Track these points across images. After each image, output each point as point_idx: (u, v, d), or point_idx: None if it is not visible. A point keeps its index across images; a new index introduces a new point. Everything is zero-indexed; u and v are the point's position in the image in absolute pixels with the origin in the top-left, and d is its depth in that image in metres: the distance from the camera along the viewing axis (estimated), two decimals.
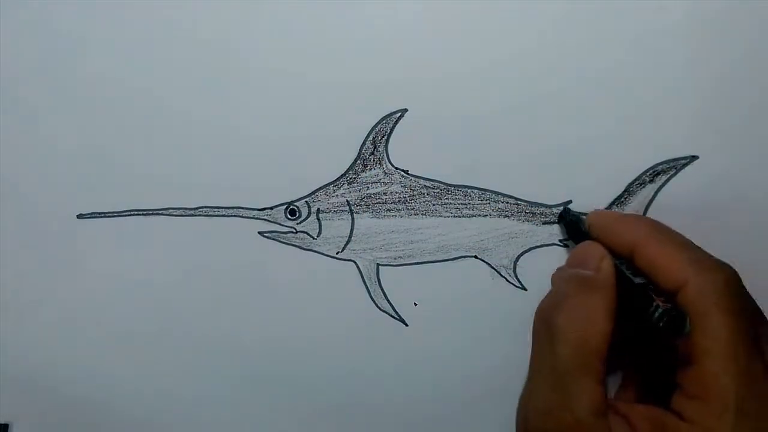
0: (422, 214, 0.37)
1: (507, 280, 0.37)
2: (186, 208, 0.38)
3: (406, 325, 0.38)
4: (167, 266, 0.38)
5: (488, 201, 0.36)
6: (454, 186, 0.37)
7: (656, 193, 0.36)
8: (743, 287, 0.29)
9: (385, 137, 0.36)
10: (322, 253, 0.38)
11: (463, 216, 0.37)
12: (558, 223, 0.36)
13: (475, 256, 0.37)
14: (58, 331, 0.39)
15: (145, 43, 0.36)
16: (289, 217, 0.37)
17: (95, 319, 0.39)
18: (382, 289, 0.38)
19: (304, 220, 0.37)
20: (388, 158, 0.37)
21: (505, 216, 0.37)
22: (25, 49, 0.37)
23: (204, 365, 0.39)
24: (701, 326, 0.28)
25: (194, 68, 0.36)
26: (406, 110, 0.36)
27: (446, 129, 0.36)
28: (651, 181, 0.35)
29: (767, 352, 0.28)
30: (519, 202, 0.36)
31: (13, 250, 0.39)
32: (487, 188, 0.36)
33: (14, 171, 0.38)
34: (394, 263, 0.37)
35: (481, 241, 0.37)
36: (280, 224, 0.37)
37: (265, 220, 0.37)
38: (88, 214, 0.38)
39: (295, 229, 0.37)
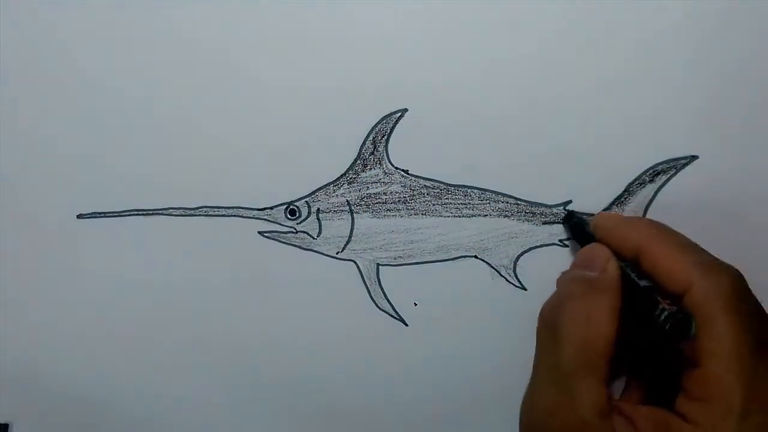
0: (422, 214, 0.37)
1: (507, 280, 0.37)
2: (186, 208, 0.37)
3: (406, 325, 0.38)
4: (167, 266, 0.38)
5: (488, 201, 0.36)
6: (454, 186, 0.37)
7: (656, 193, 0.36)
8: (749, 290, 0.29)
9: (385, 137, 0.36)
10: (322, 253, 0.38)
11: (463, 216, 0.37)
12: (563, 224, 0.36)
13: (475, 256, 0.37)
14: (59, 331, 0.39)
15: (145, 44, 0.36)
16: (289, 217, 0.37)
17: (95, 319, 0.39)
18: (382, 289, 0.38)
19: (304, 220, 0.37)
20: (388, 158, 0.37)
21: (505, 216, 0.37)
22: (25, 49, 0.37)
23: (204, 365, 0.39)
24: (706, 329, 0.28)
25: (195, 68, 0.36)
26: (406, 110, 0.36)
27: (446, 129, 0.36)
28: (651, 181, 0.35)
29: None
30: (519, 202, 0.36)
31: (13, 250, 0.39)
32: (487, 188, 0.36)
33: (14, 171, 0.38)
34: (394, 263, 0.38)
35: (481, 241, 0.37)
36: (280, 224, 0.37)
37: (265, 220, 0.37)
38: (88, 214, 0.38)
39: (295, 229, 0.37)
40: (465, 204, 0.37)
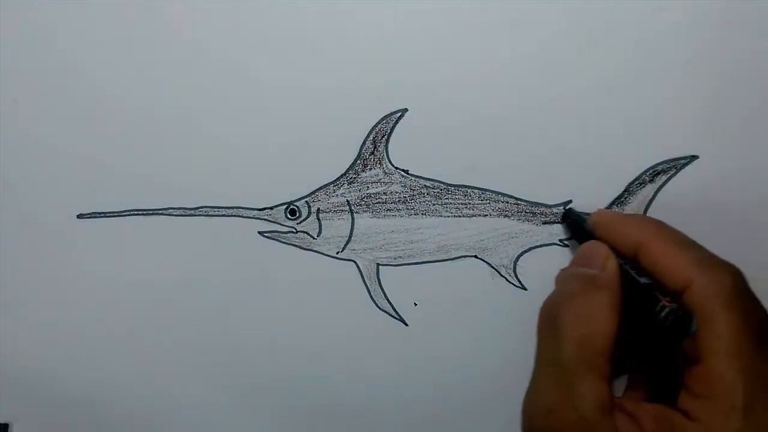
0: (422, 214, 0.37)
1: (507, 280, 0.37)
2: (186, 208, 0.37)
3: (406, 325, 0.38)
4: (167, 266, 0.38)
5: (488, 201, 0.36)
6: (454, 186, 0.37)
7: (656, 193, 0.36)
8: (748, 286, 0.29)
9: (385, 137, 0.36)
10: (322, 253, 0.38)
11: (463, 216, 0.37)
12: (561, 223, 0.36)
13: (475, 256, 0.37)
14: (59, 331, 0.39)
15: (145, 43, 0.36)
16: (289, 217, 0.37)
17: (95, 319, 0.39)
18: (382, 289, 0.38)
19: (304, 219, 0.37)
20: (388, 158, 0.37)
21: (505, 216, 0.37)
22: (25, 49, 0.37)
23: (204, 365, 0.39)
24: (707, 325, 0.28)
25: (195, 68, 0.36)
26: (406, 110, 0.36)
27: (446, 129, 0.36)
28: (651, 181, 0.35)
29: None
30: (519, 202, 0.36)
31: (13, 250, 0.39)
32: (487, 188, 0.36)
33: (14, 171, 0.38)
34: (394, 263, 0.38)
35: (481, 241, 0.37)
36: (280, 224, 0.37)
37: (265, 220, 0.37)
38: (88, 214, 0.38)
39: (295, 229, 0.37)
40: (465, 204, 0.37)
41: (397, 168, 0.37)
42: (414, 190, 0.37)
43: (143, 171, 0.37)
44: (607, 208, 0.36)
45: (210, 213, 0.37)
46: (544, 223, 0.36)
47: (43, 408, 0.40)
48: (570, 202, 0.36)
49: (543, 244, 0.37)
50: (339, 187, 0.37)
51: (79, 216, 0.38)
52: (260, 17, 0.36)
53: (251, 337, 0.39)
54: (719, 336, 0.27)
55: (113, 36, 0.36)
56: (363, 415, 0.39)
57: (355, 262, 0.38)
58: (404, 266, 0.38)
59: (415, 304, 0.38)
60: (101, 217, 0.38)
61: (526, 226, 0.37)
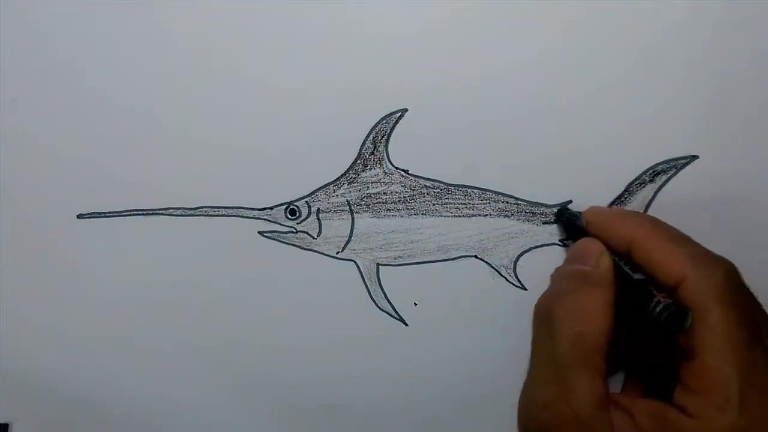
0: (422, 214, 0.37)
1: (507, 280, 0.37)
2: (186, 208, 0.37)
3: (406, 325, 0.38)
4: (167, 266, 0.38)
5: (488, 201, 0.36)
6: (454, 186, 0.37)
7: (656, 193, 0.36)
8: (742, 281, 0.29)
9: (385, 137, 0.36)
10: (322, 253, 0.38)
11: (463, 216, 0.37)
12: (555, 221, 0.36)
13: (475, 256, 0.37)
14: (59, 331, 0.39)
15: (145, 44, 0.36)
16: (289, 217, 0.37)
17: (95, 319, 0.39)
18: (382, 289, 0.38)
19: (304, 219, 0.37)
20: (388, 158, 0.37)
21: (505, 216, 0.37)
22: (25, 50, 0.37)
23: (204, 365, 0.39)
24: (701, 321, 0.28)
25: (195, 69, 0.36)
26: (406, 110, 0.36)
27: (446, 129, 0.36)
28: (651, 181, 0.35)
29: None
30: (519, 202, 0.36)
31: (13, 250, 0.39)
32: (487, 188, 0.36)
33: (14, 171, 0.38)
34: (394, 263, 0.38)
35: (481, 241, 0.37)
36: (280, 224, 0.37)
37: (265, 220, 0.37)
38: (88, 214, 0.38)
39: (295, 229, 0.37)
40: (465, 204, 0.37)
41: (397, 168, 0.37)
42: (414, 190, 0.37)
43: (143, 171, 0.37)
44: (608, 208, 0.36)
45: (210, 213, 0.37)
46: (544, 223, 0.36)
47: (43, 408, 0.40)
48: (570, 202, 0.36)
49: (543, 244, 0.37)
50: (339, 187, 0.37)
51: (79, 216, 0.38)
52: (260, 18, 0.36)
53: (251, 337, 0.39)
54: (713, 331, 0.27)
55: (113, 36, 0.36)
56: (363, 415, 0.39)
57: (355, 262, 0.38)
58: (404, 266, 0.38)
59: (415, 304, 0.38)
60: (101, 217, 0.38)
61: (526, 226, 0.37)
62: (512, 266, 0.37)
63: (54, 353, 0.39)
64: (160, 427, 0.40)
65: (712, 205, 0.35)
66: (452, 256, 0.37)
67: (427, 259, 0.37)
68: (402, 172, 0.37)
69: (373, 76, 0.36)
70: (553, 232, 0.36)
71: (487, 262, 0.37)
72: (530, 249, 0.37)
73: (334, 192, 0.37)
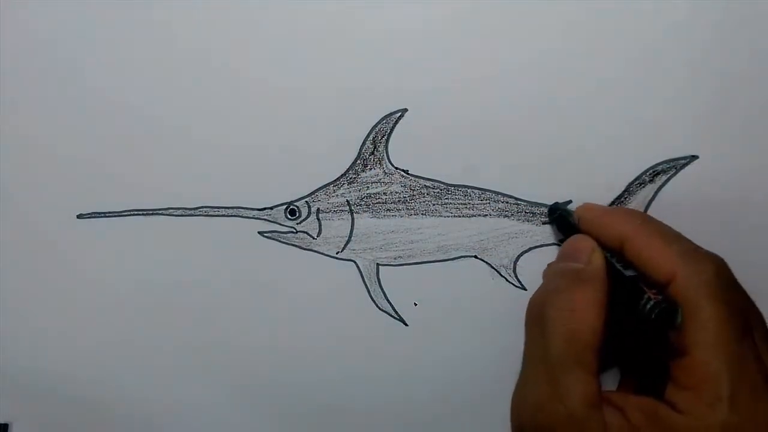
0: (422, 214, 0.37)
1: (507, 280, 0.37)
2: (186, 208, 0.37)
3: (406, 325, 0.38)
4: (167, 266, 0.38)
5: (488, 201, 0.36)
6: (454, 186, 0.37)
7: (656, 193, 0.36)
8: (732, 277, 0.29)
9: (385, 137, 0.36)
10: (322, 253, 0.38)
11: (463, 216, 0.37)
12: (548, 218, 0.36)
13: (475, 256, 0.37)
14: (58, 332, 0.39)
15: (145, 44, 0.36)
16: (289, 217, 0.37)
17: (95, 320, 0.39)
18: (382, 289, 0.38)
19: (304, 220, 0.37)
20: (388, 158, 0.37)
21: (505, 216, 0.37)
22: (25, 51, 0.37)
23: (203, 364, 0.39)
24: (692, 317, 0.28)
25: (195, 69, 0.36)
26: (406, 110, 0.36)
27: (446, 129, 0.36)
28: (651, 181, 0.35)
29: (758, 339, 0.29)
30: (519, 202, 0.36)
31: (13, 250, 0.39)
32: (487, 188, 0.36)
33: (14, 171, 0.38)
34: (394, 263, 0.37)
35: (481, 241, 0.37)
36: (280, 224, 0.37)
37: (265, 220, 0.37)
38: (88, 214, 0.38)
39: (295, 229, 0.37)
40: (465, 204, 0.37)
41: (397, 168, 0.37)
42: (414, 190, 0.37)
43: (143, 171, 0.37)
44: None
45: (210, 213, 0.37)
46: (544, 223, 0.36)
47: (43, 408, 0.40)
48: (570, 202, 0.36)
49: (543, 244, 0.37)
50: (339, 187, 0.37)
51: (79, 216, 0.38)
52: (260, 18, 0.36)
53: (251, 336, 0.39)
54: (704, 327, 0.28)
55: (114, 36, 0.36)
56: (363, 415, 0.39)
57: (355, 262, 0.38)
58: (404, 266, 0.38)
59: (415, 304, 0.38)
60: (101, 217, 0.38)
61: (526, 226, 0.37)
62: (512, 266, 0.37)
63: (54, 353, 0.39)
64: (160, 427, 0.40)
65: (712, 205, 0.35)
66: (452, 256, 0.37)
67: (427, 259, 0.37)
68: (402, 172, 0.37)
69: (373, 76, 0.36)
70: (553, 232, 0.36)
71: (487, 262, 0.37)
72: (530, 249, 0.37)
73: (334, 192, 0.37)
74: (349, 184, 0.37)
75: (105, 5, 0.36)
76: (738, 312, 0.28)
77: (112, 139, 0.37)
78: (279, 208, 0.37)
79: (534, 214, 0.36)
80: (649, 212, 0.36)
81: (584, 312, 0.29)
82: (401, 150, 0.36)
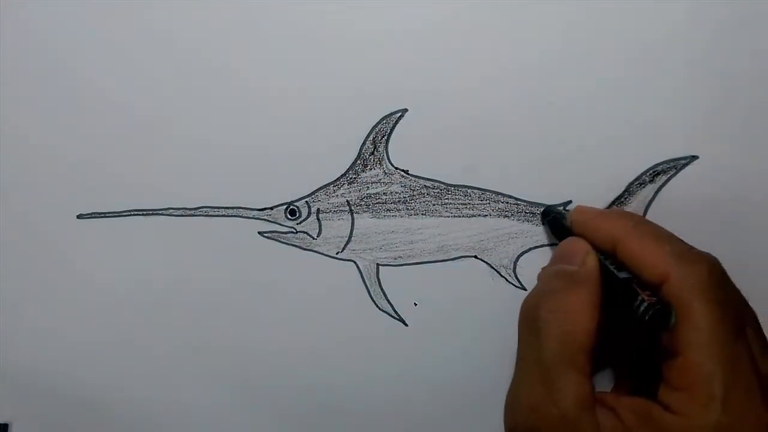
0: (422, 214, 0.37)
1: (507, 280, 0.37)
2: (186, 208, 0.37)
3: (406, 325, 0.38)
4: (167, 266, 0.38)
5: (488, 201, 0.36)
6: (454, 186, 0.37)
7: (656, 193, 0.36)
8: (726, 276, 0.29)
9: (385, 137, 0.36)
10: (322, 253, 0.38)
11: (463, 216, 0.37)
12: (542, 221, 0.36)
13: (475, 256, 0.37)
14: (59, 331, 0.39)
15: (145, 44, 0.36)
16: (289, 217, 0.37)
17: (95, 319, 0.39)
18: (382, 289, 0.38)
19: (304, 220, 0.37)
20: (388, 158, 0.37)
21: (505, 216, 0.37)
22: (25, 51, 0.37)
23: (203, 365, 0.39)
24: (685, 318, 0.28)
25: (195, 69, 0.36)
26: (406, 110, 0.36)
27: (446, 129, 0.36)
28: (651, 181, 0.35)
29: (751, 339, 0.28)
30: (519, 202, 0.36)
31: (13, 251, 0.39)
32: (487, 188, 0.36)
33: (14, 171, 0.38)
34: (394, 263, 0.37)
35: (481, 241, 0.37)
36: (280, 224, 0.37)
37: (265, 220, 0.37)
38: (88, 214, 0.38)
39: (295, 229, 0.37)
40: (465, 204, 0.37)
41: (397, 168, 0.37)
42: (414, 190, 0.37)
43: (143, 171, 0.37)
44: (607, 208, 0.36)
45: (210, 213, 0.37)
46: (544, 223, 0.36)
47: (43, 408, 0.40)
48: (570, 202, 0.36)
49: (543, 244, 0.37)
50: (339, 188, 0.37)
51: (79, 216, 0.38)
52: (260, 18, 0.36)
53: (251, 336, 0.39)
54: (697, 328, 0.27)
55: (113, 36, 0.36)
56: (363, 415, 0.39)
57: (355, 263, 0.38)
58: (404, 266, 0.38)
59: (415, 304, 0.38)
60: (101, 217, 0.38)
61: (526, 226, 0.37)
62: (512, 266, 0.37)
63: (54, 353, 0.39)
64: (160, 427, 0.40)
65: (712, 205, 0.35)
66: (452, 256, 0.37)
67: (427, 259, 0.37)
68: (402, 172, 0.37)
69: (373, 76, 0.36)
70: (546, 234, 0.36)
71: (486, 263, 0.37)
72: (530, 249, 0.37)
73: (334, 192, 0.37)
74: (349, 184, 0.37)
75: (105, 5, 0.36)
76: (731, 312, 0.28)
77: (112, 139, 0.37)
78: (279, 208, 0.37)
79: (534, 214, 0.36)
80: (649, 212, 0.36)
81: (578, 314, 0.29)
82: (401, 150, 0.36)
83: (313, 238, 0.38)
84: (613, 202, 0.36)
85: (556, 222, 0.35)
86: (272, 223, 0.37)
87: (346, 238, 0.37)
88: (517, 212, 0.36)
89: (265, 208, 0.37)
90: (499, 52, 0.35)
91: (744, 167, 0.35)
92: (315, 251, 0.38)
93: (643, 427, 0.28)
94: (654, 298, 0.28)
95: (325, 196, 0.37)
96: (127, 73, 0.37)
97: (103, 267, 0.38)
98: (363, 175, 0.37)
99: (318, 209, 0.37)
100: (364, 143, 0.36)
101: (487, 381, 0.38)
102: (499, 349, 0.37)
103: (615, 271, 0.30)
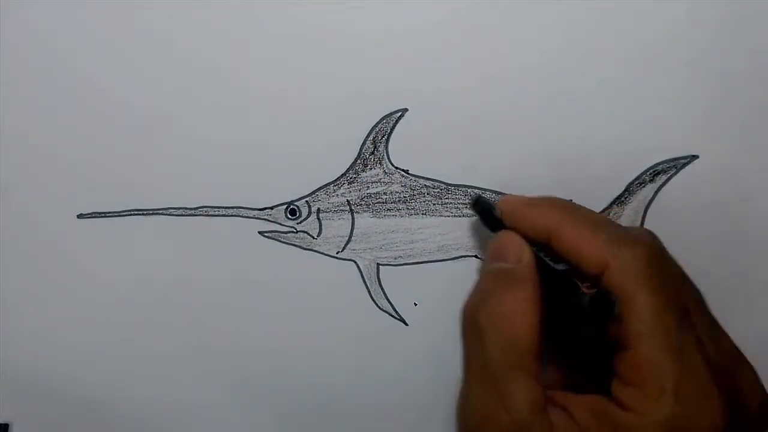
0: (422, 214, 0.37)
1: None
2: (186, 208, 0.37)
3: (406, 325, 0.38)
4: (167, 266, 0.38)
5: None
6: (454, 186, 0.37)
7: (656, 193, 0.36)
8: (665, 257, 0.28)
9: (385, 137, 0.36)
10: (323, 253, 0.38)
11: (463, 216, 0.37)
12: (473, 211, 0.35)
13: (476, 256, 0.37)
14: (58, 331, 0.39)
15: (146, 44, 0.36)
16: (290, 216, 0.37)
17: (95, 319, 0.39)
18: (382, 289, 0.38)
19: (304, 219, 0.37)
20: (389, 158, 0.37)
21: None
22: (25, 49, 0.37)
23: (203, 365, 0.39)
24: (628, 308, 0.27)
25: (194, 69, 0.36)
26: (406, 110, 0.36)
27: (446, 129, 0.36)
28: (651, 181, 0.35)
29: (695, 317, 0.27)
30: None
31: (13, 250, 0.39)
32: (487, 188, 0.36)
33: (14, 171, 0.38)
34: (395, 263, 0.38)
35: (482, 240, 0.37)
36: (280, 224, 0.37)
37: (265, 220, 0.37)
38: (88, 214, 0.38)
39: (296, 229, 0.37)
40: (465, 204, 0.37)
41: (397, 168, 0.37)
42: (414, 190, 0.37)
43: (143, 171, 0.37)
44: (608, 208, 0.36)
45: (210, 213, 0.37)
46: None
47: (43, 408, 0.40)
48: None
49: None
50: (339, 187, 0.37)
51: (79, 216, 0.38)
52: (260, 18, 0.36)
53: (251, 336, 0.39)
54: (641, 318, 0.26)
55: (114, 36, 0.36)
56: (363, 415, 0.39)
57: (355, 262, 0.38)
58: (404, 266, 0.38)
59: (415, 304, 0.38)
60: (101, 217, 0.38)
61: None
62: None
63: (54, 353, 0.39)
64: (160, 427, 0.40)
65: (712, 205, 0.35)
66: (452, 256, 0.37)
67: (427, 259, 0.37)
68: (402, 172, 0.37)
69: (373, 76, 0.36)
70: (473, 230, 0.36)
71: None
72: None
73: (334, 192, 0.37)
74: (350, 183, 0.37)
75: (105, 5, 0.36)
76: (675, 296, 0.27)
77: (112, 139, 0.37)
78: (279, 208, 0.37)
79: None
80: (649, 212, 0.36)
81: (519, 316, 0.28)
82: (401, 150, 0.36)
83: (314, 238, 0.38)
84: (613, 202, 0.36)
85: (487, 213, 0.33)
86: (272, 223, 0.37)
87: (347, 238, 0.37)
88: None
89: (265, 208, 0.37)
90: (499, 52, 0.35)
91: (744, 167, 0.35)
92: (315, 251, 0.38)
93: (599, 427, 0.27)
94: (594, 290, 0.27)
95: (326, 196, 0.37)
96: (127, 73, 0.37)
97: (103, 267, 0.38)
98: (363, 174, 0.37)
99: (318, 209, 0.37)
100: (364, 143, 0.36)
101: None
102: None
103: (552, 263, 0.29)
